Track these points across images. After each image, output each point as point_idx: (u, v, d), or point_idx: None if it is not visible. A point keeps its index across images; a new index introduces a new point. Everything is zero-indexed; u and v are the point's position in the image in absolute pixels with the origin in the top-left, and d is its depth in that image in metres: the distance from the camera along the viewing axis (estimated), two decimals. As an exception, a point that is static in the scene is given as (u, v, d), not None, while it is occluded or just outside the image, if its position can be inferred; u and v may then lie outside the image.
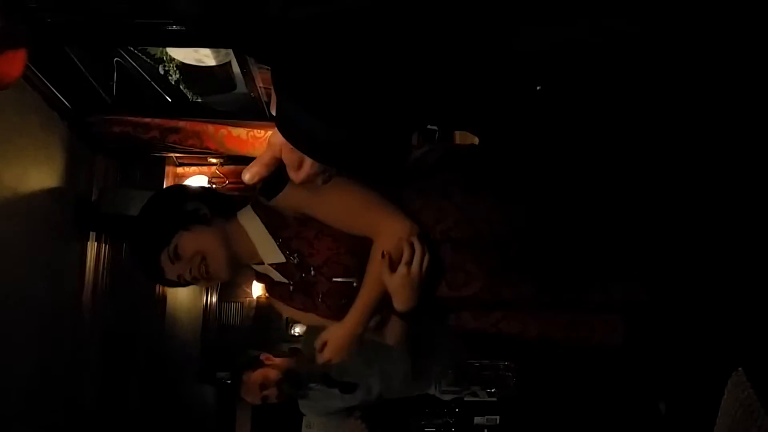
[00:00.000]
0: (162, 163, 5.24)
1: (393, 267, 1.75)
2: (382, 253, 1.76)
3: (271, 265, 1.92)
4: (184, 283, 1.89)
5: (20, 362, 3.94)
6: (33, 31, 3.45)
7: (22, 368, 3.97)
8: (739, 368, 1.43)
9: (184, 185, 2.01)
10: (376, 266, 1.79)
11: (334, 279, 1.86)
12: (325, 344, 1.90)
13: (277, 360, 2.91)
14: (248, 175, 1.31)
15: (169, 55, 4.49)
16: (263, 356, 2.91)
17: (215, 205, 1.88)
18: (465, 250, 1.78)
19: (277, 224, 1.87)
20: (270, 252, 1.89)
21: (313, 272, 1.88)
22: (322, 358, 1.91)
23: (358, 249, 1.83)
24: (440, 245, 1.79)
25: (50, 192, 4.29)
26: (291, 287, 1.94)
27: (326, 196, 1.77)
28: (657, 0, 1.06)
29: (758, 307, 1.48)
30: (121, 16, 3.67)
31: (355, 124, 1.13)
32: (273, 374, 2.89)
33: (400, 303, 1.81)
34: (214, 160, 5.29)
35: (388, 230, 1.77)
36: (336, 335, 1.88)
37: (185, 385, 7.09)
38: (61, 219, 4.47)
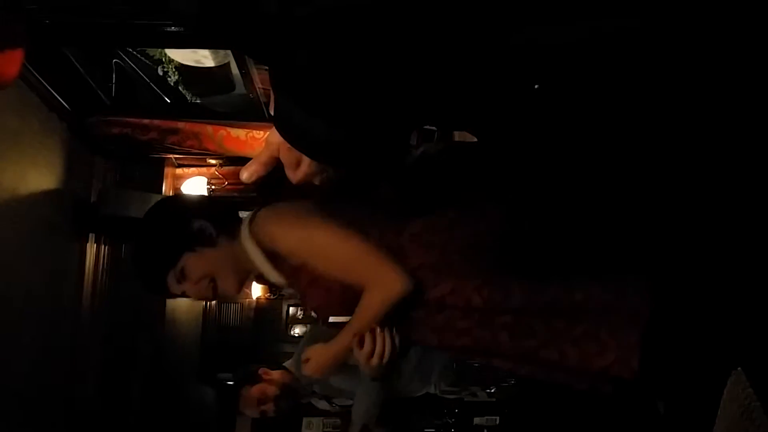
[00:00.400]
0: (161, 164, 5.24)
1: (360, 346, 1.76)
2: (354, 333, 1.77)
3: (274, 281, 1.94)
4: (185, 296, 1.90)
5: (20, 363, 3.93)
6: (31, 31, 3.45)
7: (22, 369, 3.96)
8: (739, 368, 1.43)
9: (187, 197, 2.00)
10: (365, 309, 1.77)
11: (328, 320, 1.88)
12: (308, 360, 1.91)
13: (275, 375, 2.93)
14: (246, 174, 1.31)
15: (168, 57, 4.49)
16: (261, 371, 2.93)
17: (220, 221, 1.87)
18: (457, 315, 1.76)
19: (273, 261, 1.85)
20: (272, 274, 1.88)
21: (309, 310, 1.91)
22: (304, 371, 1.92)
23: (350, 300, 1.80)
24: (433, 306, 1.77)
25: (49, 193, 4.29)
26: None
27: (318, 247, 1.76)
28: None
29: (758, 307, 1.48)
30: (120, 18, 3.66)
31: (353, 124, 1.13)
32: (270, 390, 2.91)
33: (365, 371, 1.84)
34: (213, 161, 5.29)
35: (382, 283, 1.74)
36: (320, 355, 1.89)
37: (185, 387, 7.08)
38: (60, 220, 4.46)
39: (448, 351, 1.86)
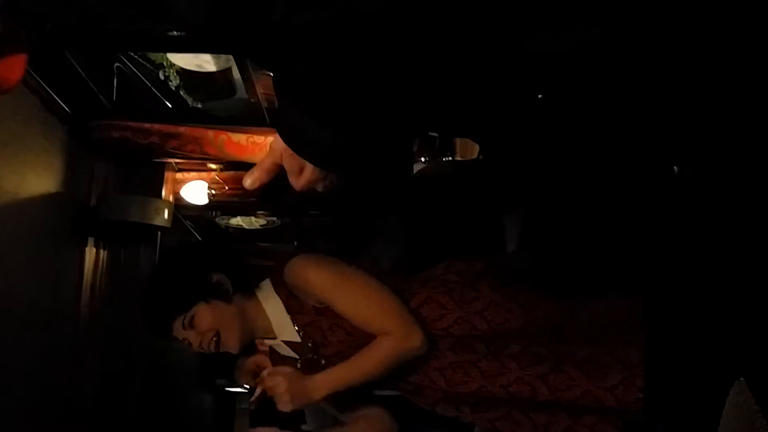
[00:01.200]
0: (161, 168, 5.23)
1: None
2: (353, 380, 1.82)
3: (283, 341, 1.94)
4: (185, 343, 1.93)
5: (18, 368, 3.92)
6: (33, 35, 3.45)
7: (20, 374, 3.95)
8: (741, 378, 1.42)
9: (210, 247, 2.05)
10: (374, 351, 1.80)
11: None
12: (278, 381, 1.86)
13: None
14: (249, 181, 1.31)
15: (170, 61, 4.49)
16: (257, 341, 2.94)
17: (238, 279, 1.92)
18: (462, 350, 1.80)
19: (295, 308, 1.90)
20: (286, 330, 1.93)
21: (323, 361, 1.90)
22: (279, 403, 1.87)
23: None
24: (441, 339, 1.82)
25: (49, 197, 4.28)
26: (298, 364, 1.95)
27: (349, 290, 1.83)
28: (621, 5, 1.06)
29: (760, 316, 1.48)
30: (122, 22, 3.66)
31: (355, 130, 1.13)
32: (265, 361, 2.92)
33: None
34: (213, 166, 5.28)
35: (401, 334, 1.79)
36: (297, 387, 1.84)
37: (184, 393, 7.07)
38: (60, 224, 4.46)
39: (452, 402, 1.86)
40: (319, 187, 1.27)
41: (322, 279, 1.83)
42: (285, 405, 1.86)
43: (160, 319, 1.90)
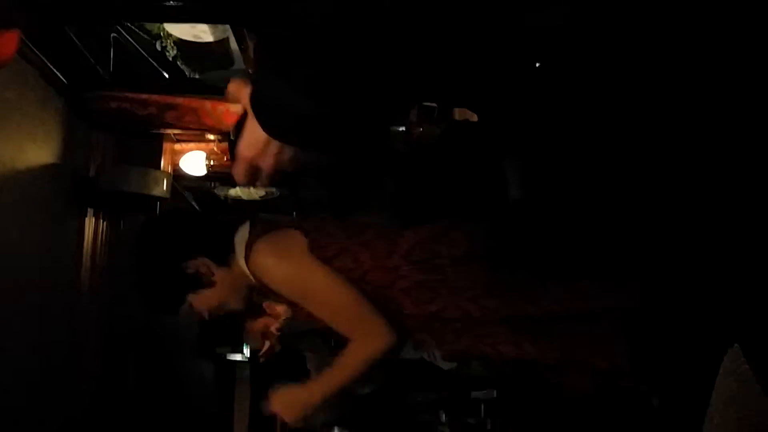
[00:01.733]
0: (160, 139, 5.22)
1: None
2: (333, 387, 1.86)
3: None
4: None
5: (18, 341, 3.95)
6: (29, 7, 3.42)
7: (20, 347, 3.97)
8: (736, 344, 1.43)
9: (174, 231, 2.02)
10: (349, 363, 1.84)
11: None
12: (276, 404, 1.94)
13: (278, 309, 2.97)
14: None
15: (167, 31, 4.46)
16: (265, 304, 2.97)
17: (214, 252, 1.91)
18: (450, 324, 1.83)
19: (271, 293, 1.96)
20: (271, 296, 1.96)
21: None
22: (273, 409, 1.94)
23: None
24: (432, 318, 1.84)
25: (47, 168, 4.28)
26: None
27: (311, 291, 1.86)
28: None
29: (756, 282, 1.48)
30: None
31: (344, 102, 1.10)
32: (273, 324, 2.98)
33: None
34: (212, 137, 5.27)
35: (367, 338, 1.82)
36: (291, 399, 1.92)
37: (184, 363, 7.11)
38: (59, 196, 4.46)
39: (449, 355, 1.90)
40: (266, 164, 1.20)
41: (280, 284, 1.87)
42: (291, 420, 1.93)
43: (168, 312, 2.01)
